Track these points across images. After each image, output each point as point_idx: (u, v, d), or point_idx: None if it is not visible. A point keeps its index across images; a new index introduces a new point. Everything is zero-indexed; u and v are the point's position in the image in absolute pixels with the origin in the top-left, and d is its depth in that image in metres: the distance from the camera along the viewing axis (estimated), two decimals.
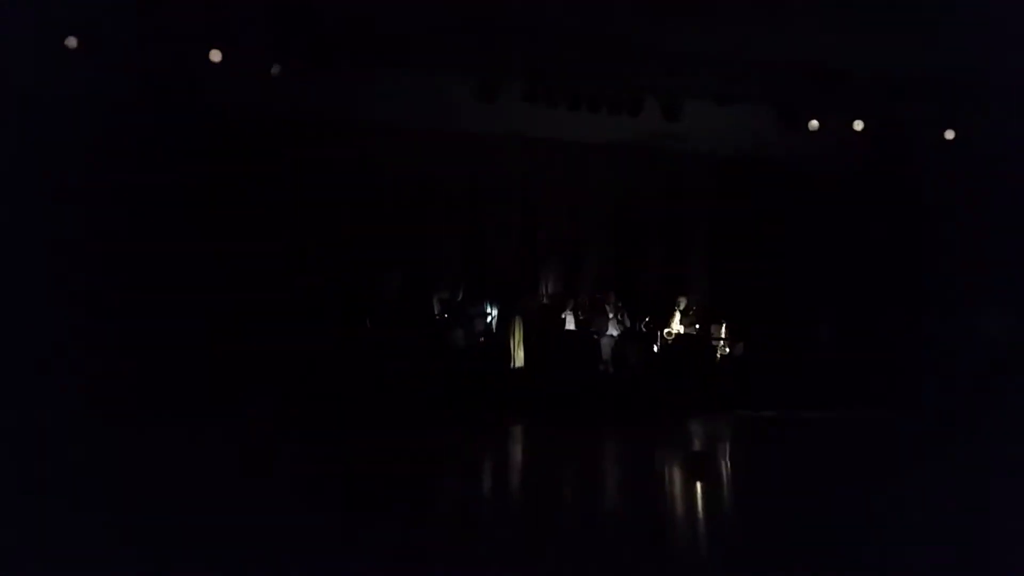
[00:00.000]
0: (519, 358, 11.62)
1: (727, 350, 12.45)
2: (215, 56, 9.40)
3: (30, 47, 8.60)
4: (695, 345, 12.29)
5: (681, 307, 12.66)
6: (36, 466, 6.55)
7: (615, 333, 12.22)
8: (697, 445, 9.22)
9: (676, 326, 12.53)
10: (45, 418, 8.29)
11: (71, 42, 8.77)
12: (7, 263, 9.04)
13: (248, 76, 9.95)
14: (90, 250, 9.98)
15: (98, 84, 9.56)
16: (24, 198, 9.41)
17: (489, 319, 11.92)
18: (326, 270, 11.27)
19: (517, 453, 8.92)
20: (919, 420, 10.60)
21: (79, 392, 8.84)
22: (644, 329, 12.39)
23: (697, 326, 12.50)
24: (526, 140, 12.77)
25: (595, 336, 12.03)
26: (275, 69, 9.66)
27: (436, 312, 11.73)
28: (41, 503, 5.34)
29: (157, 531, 4.71)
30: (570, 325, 12.13)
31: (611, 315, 12.32)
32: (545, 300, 12.81)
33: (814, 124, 11.29)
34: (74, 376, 9.08)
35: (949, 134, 11.48)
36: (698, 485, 6.63)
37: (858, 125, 11.36)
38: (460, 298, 11.95)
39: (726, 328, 12.55)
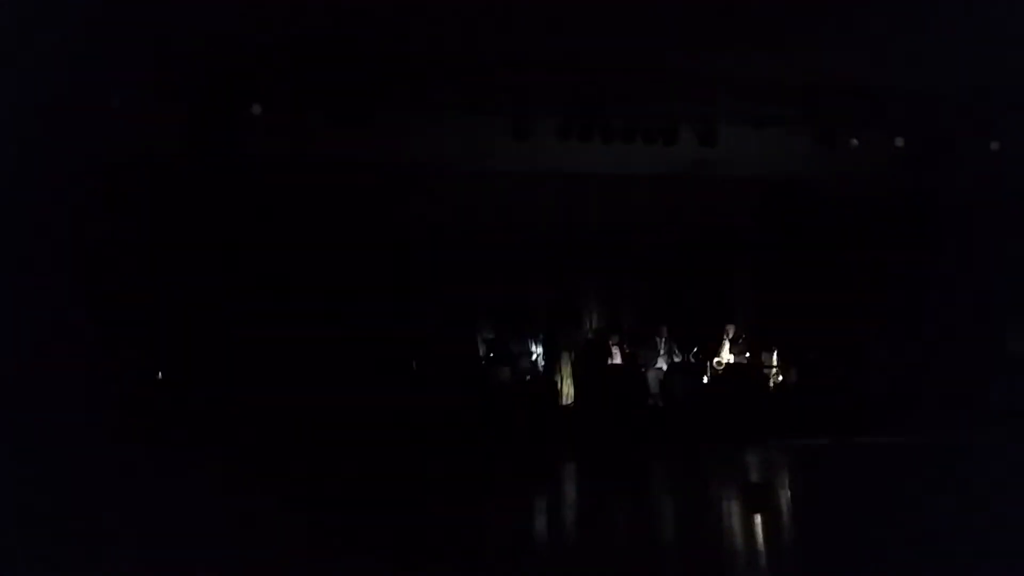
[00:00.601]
0: (569, 394, 11.48)
1: (779, 378, 12.17)
2: (256, 110, 9.54)
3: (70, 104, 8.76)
4: (746, 374, 12.03)
5: (730, 336, 12.43)
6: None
7: (663, 366, 12.02)
8: (754, 476, 8.96)
9: (726, 355, 12.29)
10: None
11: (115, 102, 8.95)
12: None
13: (285, 125, 10.09)
14: (138, 298, 10.09)
15: (140, 140, 9.73)
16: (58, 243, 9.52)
17: (534, 356, 11.81)
18: (368, 313, 11.25)
19: (571, 490, 8.76)
20: (973, 443, 10.22)
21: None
22: (693, 360, 12.17)
23: (747, 355, 12.25)
24: (565, 176, 12.75)
25: (642, 369, 11.83)
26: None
27: (481, 352, 11.66)
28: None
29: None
30: (616, 359, 11.96)
31: (661, 348, 12.13)
32: (590, 335, 12.66)
33: (854, 143, 11.12)
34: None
35: (994, 146, 11.21)
36: (759, 517, 6.42)
37: (899, 142, 11.16)
38: (505, 337, 11.87)
39: (777, 355, 12.28)
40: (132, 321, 9.81)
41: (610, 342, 12.16)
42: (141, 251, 10.28)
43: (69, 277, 8.81)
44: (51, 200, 8.41)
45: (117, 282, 9.72)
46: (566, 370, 11.64)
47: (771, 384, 12.17)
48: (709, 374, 12.13)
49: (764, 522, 6.30)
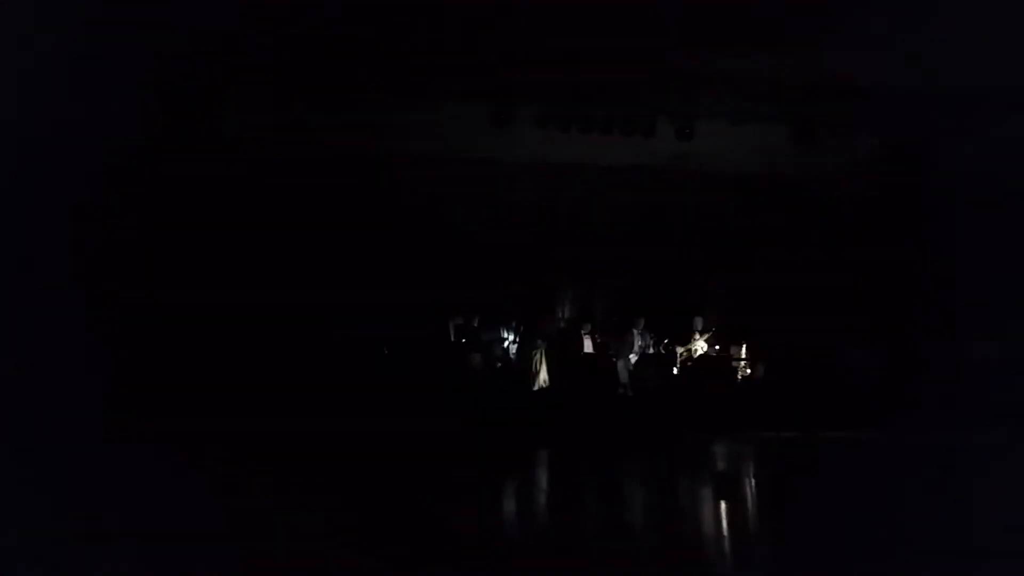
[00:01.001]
0: (543, 380, 11.64)
1: (748, 371, 12.43)
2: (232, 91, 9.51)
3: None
4: (715, 366, 12.28)
5: (699, 328, 12.65)
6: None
7: (633, 355, 12.22)
8: (720, 466, 9.22)
9: (696, 347, 12.52)
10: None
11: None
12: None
13: (265, 111, 10.05)
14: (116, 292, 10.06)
15: (124, 121, 9.65)
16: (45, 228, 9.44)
17: (505, 344, 11.96)
18: (340, 299, 11.28)
19: (541, 477, 8.92)
20: (942, 440, 10.53)
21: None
22: (663, 351, 12.39)
23: (717, 347, 12.50)
24: (542, 165, 12.83)
25: (613, 359, 12.03)
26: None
27: (452, 338, 11.77)
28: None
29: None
30: (588, 348, 12.14)
31: (636, 339, 12.33)
32: (562, 324, 12.82)
33: (830, 141, 11.30)
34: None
35: (967, 149, 11.44)
36: (723, 505, 6.68)
37: (876, 141, 11.35)
38: (476, 324, 11.99)
39: (746, 348, 12.53)
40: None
41: (582, 331, 12.35)
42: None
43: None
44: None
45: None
46: (538, 358, 11.81)
47: (739, 377, 12.41)
48: (679, 365, 12.36)
49: (727, 509, 6.57)
